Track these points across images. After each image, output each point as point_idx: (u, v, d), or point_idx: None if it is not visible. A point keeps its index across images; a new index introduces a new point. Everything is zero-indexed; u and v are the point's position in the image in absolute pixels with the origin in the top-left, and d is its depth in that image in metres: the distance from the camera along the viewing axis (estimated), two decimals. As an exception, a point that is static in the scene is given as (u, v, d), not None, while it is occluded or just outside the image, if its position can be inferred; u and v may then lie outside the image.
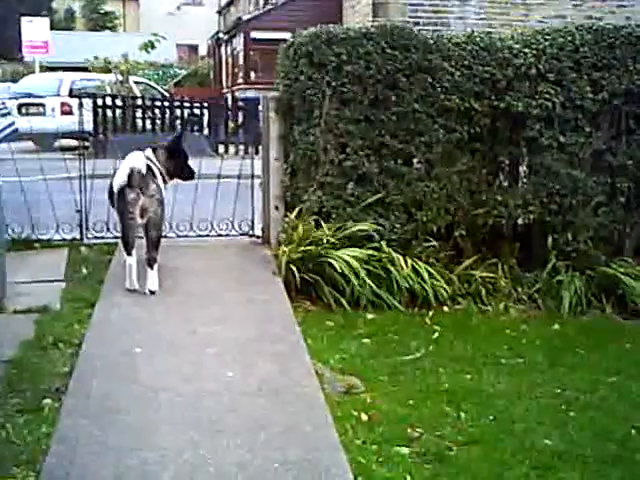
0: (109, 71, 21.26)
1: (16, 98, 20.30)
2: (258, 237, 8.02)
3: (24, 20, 26.20)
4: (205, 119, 19.05)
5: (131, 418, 4.25)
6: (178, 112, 18.48)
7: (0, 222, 6.54)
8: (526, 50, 7.23)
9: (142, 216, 6.35)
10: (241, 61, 25.92)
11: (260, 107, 8.66)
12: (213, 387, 4.69)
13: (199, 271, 6.93)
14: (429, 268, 7.12)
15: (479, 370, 5.70)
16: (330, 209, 7.25)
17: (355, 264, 6.83)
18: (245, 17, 26.31)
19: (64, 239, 7.95)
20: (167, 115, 18.22)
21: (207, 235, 7.99)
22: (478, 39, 7.33)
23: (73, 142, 16.67)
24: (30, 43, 25.94)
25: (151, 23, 42.33)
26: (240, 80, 26.08)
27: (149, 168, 6.46)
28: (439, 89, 7.24)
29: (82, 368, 4.88)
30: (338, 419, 4.62)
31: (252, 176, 8.24)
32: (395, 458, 4.35)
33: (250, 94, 21.06)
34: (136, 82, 20.90)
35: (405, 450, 4.47)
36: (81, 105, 10.81)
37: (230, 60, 28.78)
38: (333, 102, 7.17)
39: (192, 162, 7.20)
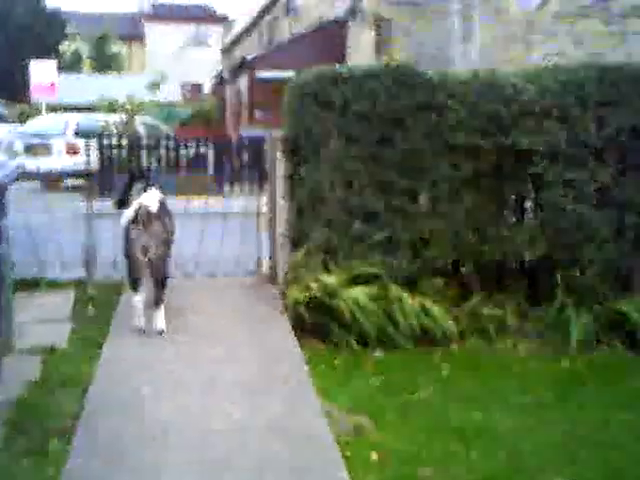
0: (114, 112, 21.39)
1: (23, 139, 20.42)
2: (265, 275, 8.01)
3: (32, 62, 26.41)
4: (210, 158, 19.13)
5: (139, 459, 4.23)
6: (182, 152, 18.56)
7: (7, 262, 6.53)
8: (530, 86, 7.26)
9: (145, 255, 6.36)
10: (245, 100, 26.04)
11: (265, 146, 8.70)
12: (221, 427, 4.67)
13: (207, 310, 6.94)
14: (436, 306, 7.09)
15: (488, 408, 5.64)
16: (337, 247, 7.24)
17: (363, 302, 6.80)
18: (249, 56, 26.48)
19: (71, 278, 7.95)
20: (172, 155, 18.29)
21: (213, 275, 7.98)
22: (482, 76, 7.37)
23: (79, 181, 16.78)
24: (38, 85, 26.11)
25: (157, 63, 42.82)
26: (244, 119, 26.20)
27: (162, 206, 6.49)
28: (445, 127, 7.26)
29: (90, 407, 4.87)
30: (348, 459, 4.59)
31: (257, 214, 8.25)
32: (406, 499, 4.31)
33: (255, 132, 21.12)
34: (143, 123, 21.00)
35: (417, 491, 4.44)
36: (88, 145, 10.89)
37: (234, 99, 28.94)
38: (339, 140, 7.20)
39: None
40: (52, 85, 25.73)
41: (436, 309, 7.04)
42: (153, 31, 50.25)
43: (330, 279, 6.91)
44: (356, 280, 7.07)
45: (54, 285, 7.84)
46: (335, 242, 7.24)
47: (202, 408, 4.95)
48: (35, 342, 6.18)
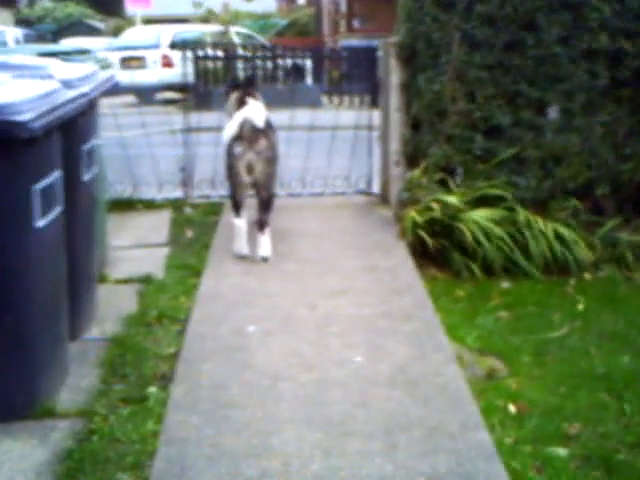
0: (209, 22, 20.77)
1: (118, 51, 20.09)
2: (376, 195, 7.35)
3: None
4: (308, 69, 18.42)
5: (248, 414, 3.66)
6: (280, 62, 17.86)
7: (102, 182, 6.00)
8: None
9: (249, 174, 5.74)
10: (343, 9, 25.03)
11: (378, 53, 7.91)
12: (339, 376, 4.06)
13: (314, 234, 6.32)
14: (570, 231, 6.33)
15: (636, 350, 4.92)
16: (458, 165, 6.52)
17: (488, 227, 6.10)
18: (348, -37, 25.34)
19: (167, 198, 7.44)
20: (269, 66, 17.62)
21: (321, 194, 7.37)
22: (631, -31, 6.42)
23: (175, 95, 16.36)
24: (132, -4, 25.77)
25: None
26: (342, 28, 25.23)
27: (267, 122, 5.85)
28: (584, 28, 6.38)
29: (190, 351, 4.32)
30: (483, 412, 3.95)
31: (369, 128, 7.54)
32: (555, 463, 3.66)
33: (354, 42, 20.24)
34: (237, 33, 20.34)
35: (563, 452, 3.77)
36: (183, 58, 10.38)
37: (332, 8, 27.91)
38: (462, 46, 6.39)
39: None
40: (147, -5, 25.29)
41: (570, 234, 6.29)
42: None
43: (452, 199, 6.21)
44: (480, 202, 6.35)
45: (150, 205, 7.34)
46: (456, 160, 6.51)
47: (317, 352, 4.34)
48: (131, 270, 5.68)
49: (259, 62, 17.53)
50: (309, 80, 18.48)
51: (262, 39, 22.39)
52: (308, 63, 18.45)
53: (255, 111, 5.90)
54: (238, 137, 5.72)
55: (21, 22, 32.33)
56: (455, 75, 6.44)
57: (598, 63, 6.46)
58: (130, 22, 27.78)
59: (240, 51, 17.68)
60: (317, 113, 8.07)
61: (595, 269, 6.36)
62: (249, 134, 5.70)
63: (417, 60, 6.69)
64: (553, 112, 6.64)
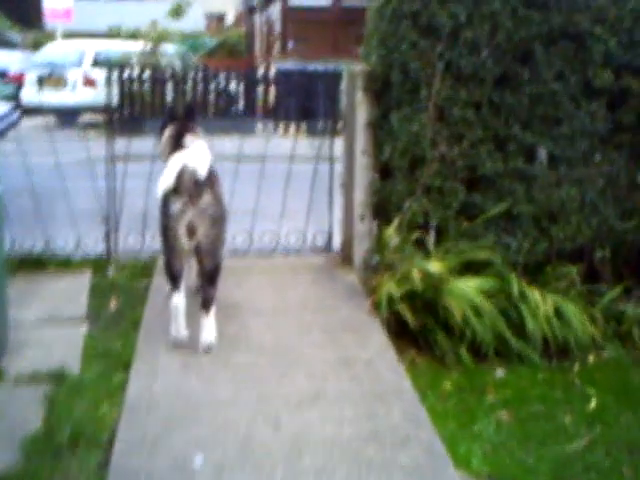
0: (136, 39, 19.49)
1: (36, 69, 18.72)
2: (337, 254, 6.25)
3: (47, -16, 24.53)
4: (241, 93, 17.35)
5: None
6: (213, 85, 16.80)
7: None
8: None
9: (190, 237, 4.54)
10: (277, 30, 23.94)
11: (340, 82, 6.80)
12: None
13: (268, 310, 5.14)
14: (570, 304, 5.32)
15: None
16: (438, 222, 5.45)
17: (477, 300, 5.04)
18: (283, -19, 24.28)
19: (87, 256, 6.18)
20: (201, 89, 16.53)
21: (272, 251, 6.24)
22: (641, -6, 5.47)
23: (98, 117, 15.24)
24: (52, 9, 24.32)
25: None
26: (276, 51, 24.14)
27: (210, 168, 4.67)
28: (586, 63, 5.40)
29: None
30: None
31: (331, 163, 6.44)
32: None
33: (289, 65, 19.21)
34: (171, 53, 19.15)
35: None
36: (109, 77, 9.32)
37: (265, 29, 26.82)
38: (446, 79, 5.33)
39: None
40: (67, 10, 23.89)
41: (572, 310, 5.27)
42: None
43: (434, 267, 5.13)
44: (466, 267, 5.30)
45: (65, 265, 6.02)
46: (436, 215, 5.45)
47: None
48: (37, 360, 4.42)
49: (190, 85, 16.45)
50: (241, 105, 17.40)
51: (194, 59, 21.25)
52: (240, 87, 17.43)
53: (197, 155, 4.72)
54: (176, 190, 4.50)
55: None
56: (437, 114, 5.39)
57: (602, 104, 5.49)
58: (50, 36, 26.28)
59: (170, 72, 16.56)
60: (266, 143, 6.93)
61: (598, 348, 5.36)
62: (190, 186, 4.49)
63: (391, 94, 5.60)
64: (542, 156, 5.64)
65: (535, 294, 5.22)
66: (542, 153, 5.60)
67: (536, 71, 5.38)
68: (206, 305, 4.57)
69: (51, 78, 18.19)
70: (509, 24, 5.29)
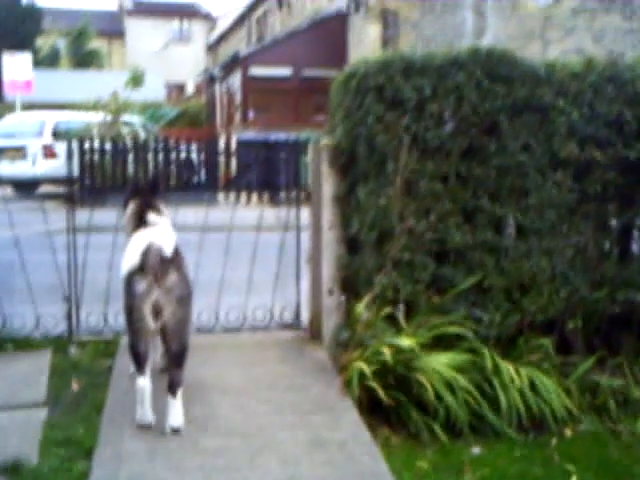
0: (96, 110, 19.42)
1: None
2: (305, 329, 6.13)
3: (5, 56, 24.39)
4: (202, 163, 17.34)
5: None
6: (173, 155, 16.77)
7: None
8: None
9: (156, 318, 4.40)
10: (238, 99, 24.07)
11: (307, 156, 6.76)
12: None
13: (237, 389, 4.97)
14: (544, 376, 5.25)
15: None
16: (408, 296, 5.37)
17: (450, 376, 4.94)
18: (243, 52, 24.48)
19: (47, 335, 5.98)
20: (162, 159, 16.49)
21: (239, 328, 6.11)
22: (602, 68, 5.51)
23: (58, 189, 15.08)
24: (11, 81, 24.18)
25: (137, 61, 40.56)
26: (237, 120, 24.23)
27: (175, 247, 4.56)
28: (551, 134, 5.42)
29: None
30: None
31: (297, 233, 6.35)
32: None
33: (251, 135, 19.27)
34: (126, 123, 19.05)
35: None
36: (70, 149, 9.24)
37: (225, 98, 26.95)
38: (413, 152, 5.30)
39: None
40: (28, 81, 23.76)
41: (546, 383, 5.20)
42: (134, 27, 47.89)
43: (406, 342, 5.03)
44: (437, 341, 5.21)
45: (24, 345, 5.82)
46: (405, 290, 5.36)
47: None
48: (-7, 449, 4.21)
49: (151, 156, 16.40)
50: (202, 175, 17.39)
51: (154, 129, 21.20)
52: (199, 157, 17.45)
53: (162, 233, 4.62)
54: (141, 269, 4.38)
55: None
56: (404, 187, 5.34)
57: (567, 174, 5.50)
58: (9, 107, 26.13)
59: (131, 143, 16.51)
60: (232, 213, 6.82)
61: (575, 421, 5.27)
62: (155, 265, 4.37)
63: (357, 168, 5.56)
64: (511, 227, 5.61)
65: (509, 368, 5.14)
66: (511, 224, 5.59)
67: (502, 143, 5.38)
68: (173, 388, 4.41)
69: (11, 150, 18.03)
70: (474, 97, 5.30)
